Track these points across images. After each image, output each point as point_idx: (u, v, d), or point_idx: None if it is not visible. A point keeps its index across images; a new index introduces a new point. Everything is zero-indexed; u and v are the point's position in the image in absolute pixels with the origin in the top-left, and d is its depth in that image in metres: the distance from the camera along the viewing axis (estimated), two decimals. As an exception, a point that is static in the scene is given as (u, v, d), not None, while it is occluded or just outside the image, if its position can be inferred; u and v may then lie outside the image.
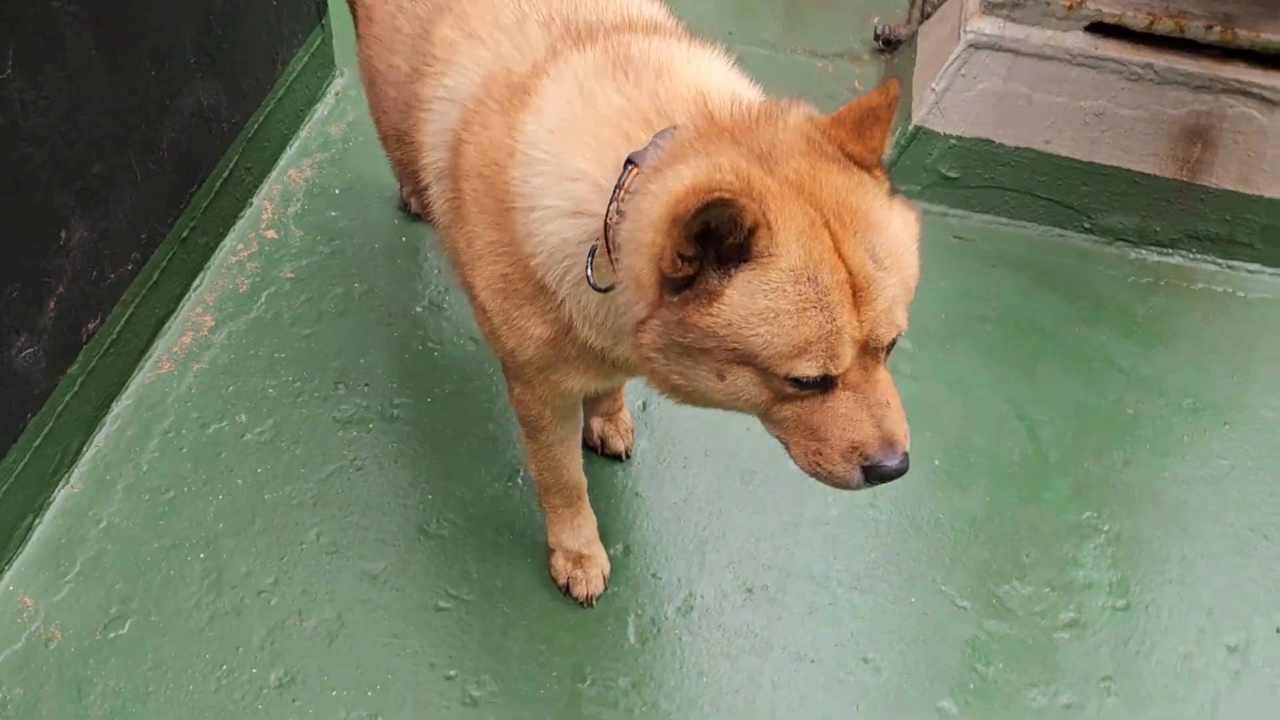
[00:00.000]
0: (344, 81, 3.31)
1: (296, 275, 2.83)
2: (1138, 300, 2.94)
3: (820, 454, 1.55)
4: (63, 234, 2.26)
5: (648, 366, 1.59)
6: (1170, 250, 3.03)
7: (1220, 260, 3.02)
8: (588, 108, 1.64)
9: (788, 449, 1.61)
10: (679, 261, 1.46)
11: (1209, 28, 2.80)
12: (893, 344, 1.54)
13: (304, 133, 3.16)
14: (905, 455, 1.55)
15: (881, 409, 1.53)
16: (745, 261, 1.45)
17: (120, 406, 2.53)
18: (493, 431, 2.57)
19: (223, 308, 2.74)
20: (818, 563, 2.37)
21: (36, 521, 2.33)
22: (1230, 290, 2.98)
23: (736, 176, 1.46)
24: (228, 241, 2.87)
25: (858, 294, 1.46)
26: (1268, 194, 2.90)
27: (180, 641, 2.19)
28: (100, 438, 2.48)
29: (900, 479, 1.56)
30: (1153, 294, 2.95)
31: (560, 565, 2.31)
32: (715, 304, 1.47)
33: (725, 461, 2.51)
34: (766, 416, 1.59)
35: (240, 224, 2.92)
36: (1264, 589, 2.41)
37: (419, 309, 2.79)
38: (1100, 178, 2.97)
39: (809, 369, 1.47)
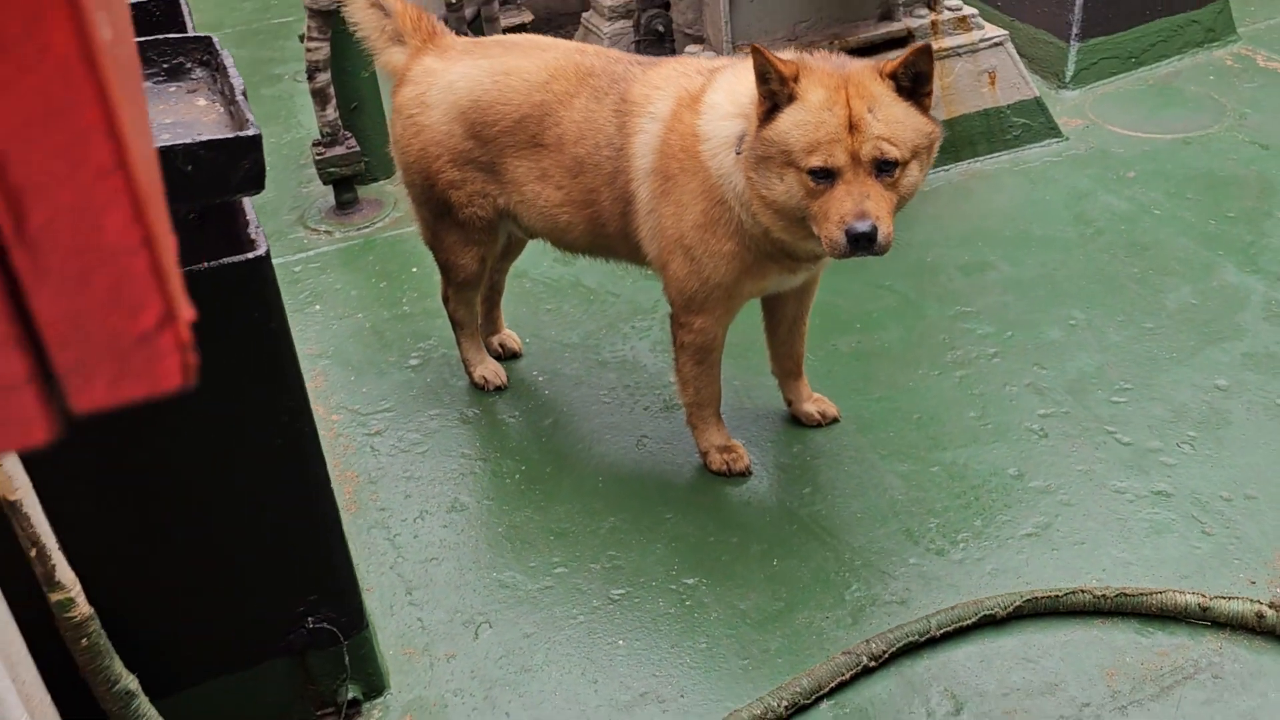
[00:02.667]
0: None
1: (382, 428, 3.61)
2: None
3: (826, 229, 2.64)
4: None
5: (749, 181, 2.72)
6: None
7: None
8: (745, 76, 2.80)
9: (821, 241, 2.68)
10: (761, 99, 2.66)
11: (830, 43, 4.43)
12: (887, 166, 2.63)
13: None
14: (873, 225, 2.59)
15: (862, 197, 2.62)
16: (792, 101, 2.67)
17: (348, 539, 3.20)
18: (608, 427, 3.52)
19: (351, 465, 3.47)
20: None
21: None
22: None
23: (796, 63, 2.69)
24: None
25: (854, 126, 2.63)
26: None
27: (586, 624, 2.94)
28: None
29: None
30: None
31: (717, 459, 3.29)
32: (774, 121, 2.65)
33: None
34: (807, 215, 2.68)
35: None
36: (1016, 299, 3.90)
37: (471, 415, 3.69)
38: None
39: (817, 160, 2.62)
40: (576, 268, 4.30)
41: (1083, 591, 2.79)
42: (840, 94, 2.64)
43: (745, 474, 3.30)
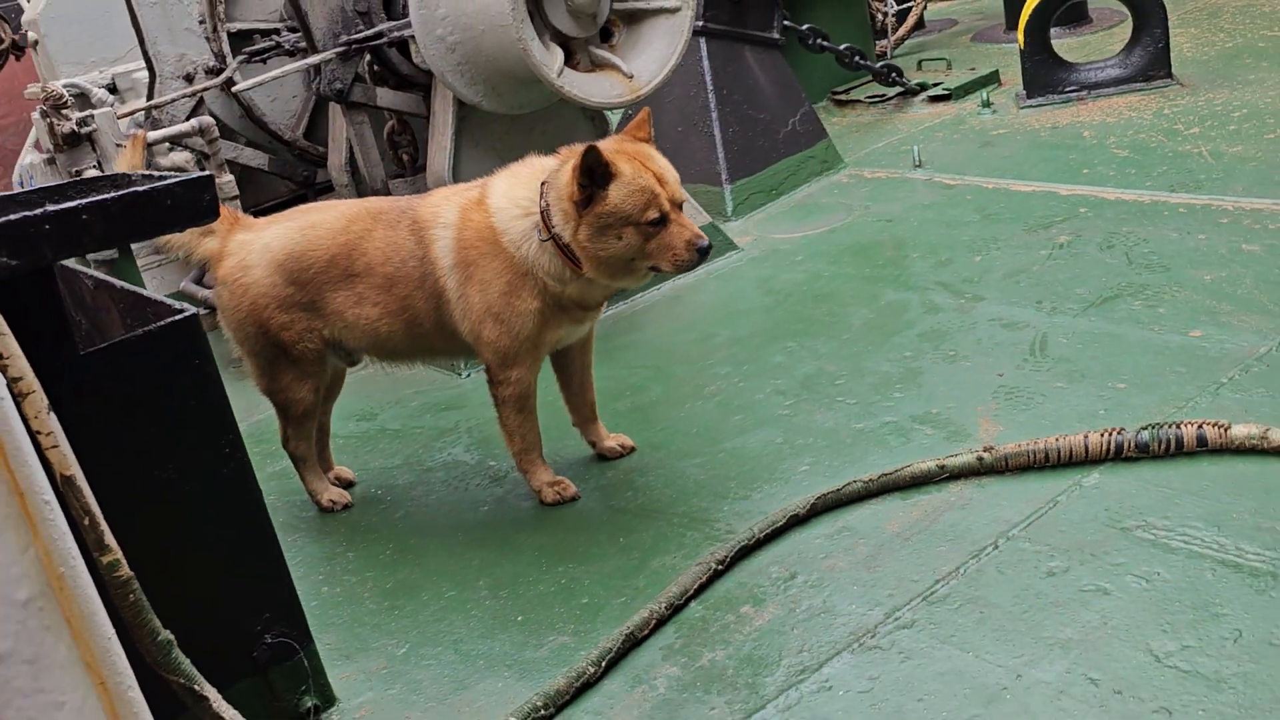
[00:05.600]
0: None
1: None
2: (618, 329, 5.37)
3: (675, 252, 3.57)
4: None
5: (584, 251, 3.58)
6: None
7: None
8: (515, 182, 3.68)
9: (660, 269, 3.64)
10: (579, 190, 3.55)
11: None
12: (681, 205, 3.63)
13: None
14: (708, 240, 3.63)
15: (690, 226, 3.60)
16: (613, 179, 3.58)
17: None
18: (451, 504, 4.14)
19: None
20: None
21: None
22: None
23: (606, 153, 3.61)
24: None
25: (660, 181, 3.58)
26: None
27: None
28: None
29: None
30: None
31: (550, 492, 3.98)
32: (607, 199, 3.53)
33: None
34: (643, 255, 3.60)
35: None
36: (742, 348, 4.90)
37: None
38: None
39: (653, 214, 3.56)
40: (379, 419, 4.97)
41: (855, 481, 3.64)
42: (637, 163, 3.57)
43: (575, 498, 4.00)
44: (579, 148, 3.54)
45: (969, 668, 2.85)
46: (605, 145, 3.57)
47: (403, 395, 5.13)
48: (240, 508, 2.99)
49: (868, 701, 2.82)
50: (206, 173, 2.48)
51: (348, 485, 4.45)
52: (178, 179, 2.46)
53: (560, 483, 4.02)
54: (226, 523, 2.98)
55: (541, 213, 3.63)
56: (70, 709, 1.90)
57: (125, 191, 2.41)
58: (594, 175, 3.48)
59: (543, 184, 3.64)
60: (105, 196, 2.40)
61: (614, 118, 6.53)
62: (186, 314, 2.82)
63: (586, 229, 3.54)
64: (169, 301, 2.90)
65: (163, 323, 2.81)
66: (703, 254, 3.57)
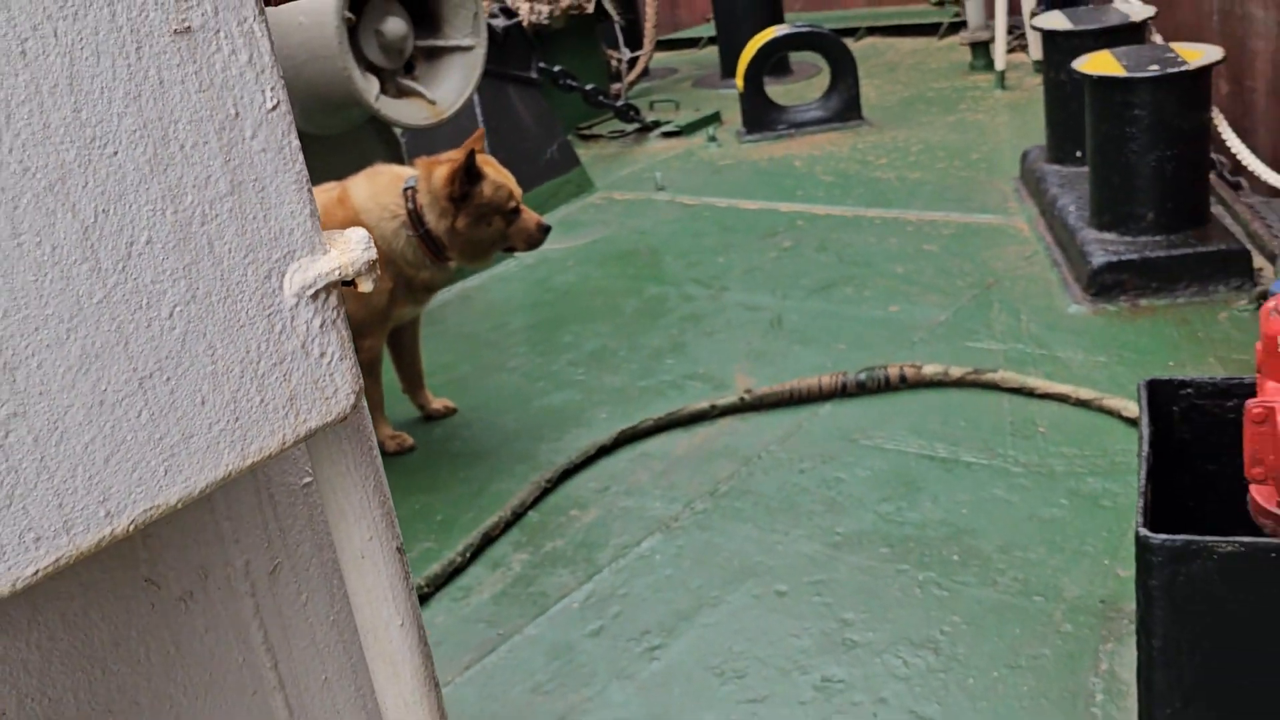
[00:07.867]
0: None
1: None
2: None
3: (529, 232, 4.49)
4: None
5: (458, 237, 4.40)
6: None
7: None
8: (377, 188, 4.43)
9: (515, 249, 4.56)
10: (461, 187, 4.36)
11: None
12: None
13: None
14: (548, 222, 4.60)
15: (534, 214, 4.54)
16: (482, 179, 4.43)
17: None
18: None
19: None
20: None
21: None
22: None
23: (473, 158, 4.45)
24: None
25: (508, 179, 4.52)
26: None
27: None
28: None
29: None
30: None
31: (391, 444, 4.74)
32: (483, 193, 4.37)
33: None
34: (503, 239, 4.50)
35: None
36: (533, 331, 5.83)
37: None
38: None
39: (512, 204, 4.44)
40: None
41: (647, 420, 4.61)
42: (491, 166, 4.44)
43: (413, 449, 4.78)
44: (450, 156, 4.40)
45: (750, 533, 3.86)
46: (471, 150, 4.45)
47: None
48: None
49: (679, 559, 3.78)
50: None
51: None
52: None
53: (399, 436, 4.80)
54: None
55: (409, 213, 4.42)
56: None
57: None
58: (469, 175, 4.32)
59: (405, 190, 4.42)
60: None
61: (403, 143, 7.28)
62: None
63: (465, 218, 4.36)
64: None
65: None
66: (546, 233, 4.52)
